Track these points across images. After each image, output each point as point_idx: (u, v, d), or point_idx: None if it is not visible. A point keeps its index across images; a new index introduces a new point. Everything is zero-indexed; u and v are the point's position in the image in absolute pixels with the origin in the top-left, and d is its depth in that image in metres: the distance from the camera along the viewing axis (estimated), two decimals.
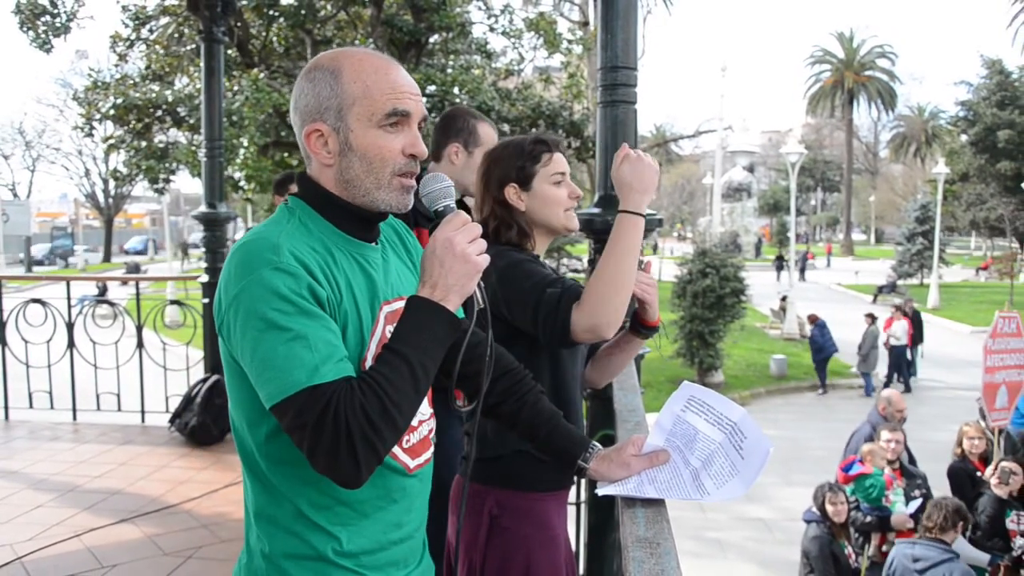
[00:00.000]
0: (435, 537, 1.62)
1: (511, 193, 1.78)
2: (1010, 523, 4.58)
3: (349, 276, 1.16)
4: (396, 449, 1.19)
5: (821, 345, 13.30)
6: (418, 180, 1.23)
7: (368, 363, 1.14)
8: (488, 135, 2.49)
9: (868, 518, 4.97)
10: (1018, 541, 4.45)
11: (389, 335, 1.13)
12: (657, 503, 1.29)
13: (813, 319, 13.80)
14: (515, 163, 1.78)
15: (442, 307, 1.11)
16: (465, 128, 2.47)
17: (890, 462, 5.18)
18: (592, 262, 2.64)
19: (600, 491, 1.35)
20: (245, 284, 1.06)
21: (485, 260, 1.14)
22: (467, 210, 2.48)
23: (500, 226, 1.78)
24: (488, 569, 1.68)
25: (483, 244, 1.14)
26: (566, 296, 1.59)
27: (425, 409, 1.29)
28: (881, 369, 13.83)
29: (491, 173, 1.81)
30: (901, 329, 13.45)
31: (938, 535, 4.12)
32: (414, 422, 1.23)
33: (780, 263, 31.31)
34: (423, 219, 2.19)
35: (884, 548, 4.91)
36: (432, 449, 1.31)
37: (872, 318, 13.61)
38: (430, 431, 1.31)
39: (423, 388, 1.09)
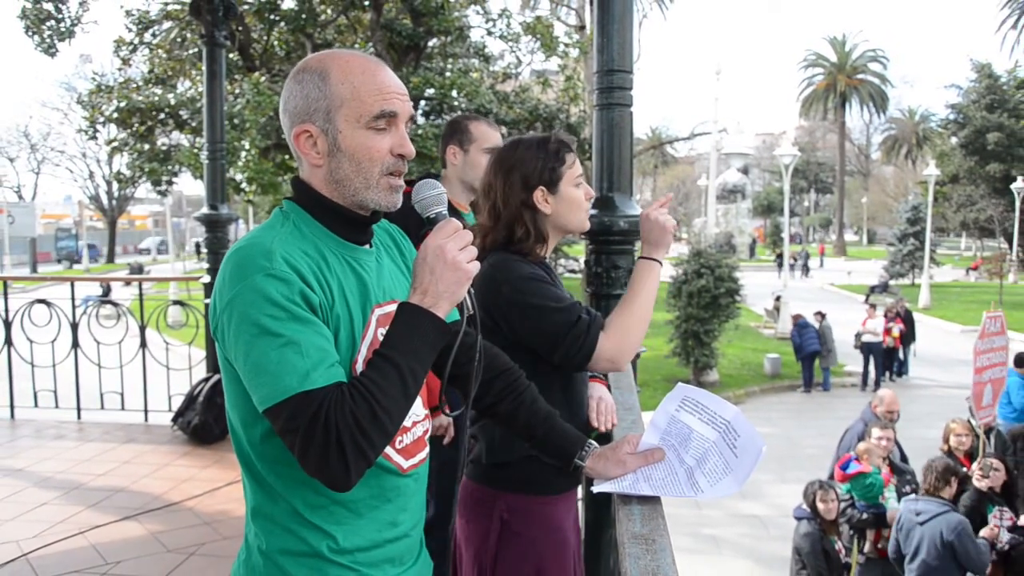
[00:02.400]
0: (441, 535, 1.66)
1: (539, 196, 1.71)
2: (993, 519, 4.66)
3: (341, 279, 1.16)
4: (389, 450, 1.21)
5: (799, 345, 13.42)
6: (411, 186, 1.23)
7: (359, 365, 1.15)
8: (480, 130, 2.55)
9: (864, 515, 5.04)
10: (1003, 536, 4.54)
11: (381, 338, 1.14)
12: (653, 500, 1.31)
13: (795, 319, 13.94)
14: (542, 165, 1.71)
15: (432, 313, 1.11)
16: (458, 129, 2.57)
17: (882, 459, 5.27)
18: (588, 263, 2.70)
19: (596, 488, 1.37)
20: (239, 290, 1.07)
21: (475, 267, 1.14)
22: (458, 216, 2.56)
23: (516, 229, 1.71)
24: (499, 573, 1.67)
25: (474, 251, 1.15)
26: (595, 324, 1.63)
27: (419, 410, 1.29)
28: (857, 366, 14.04)
29: (512, 175, 1.71)
30: (876, 326, 13.60)
31: (935, 494, 4.42)
32: (407, 423, 1.24)
33: (782, 260, 31.74)
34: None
35: (880, 545, 4.99)
36: (427, 450, 1.32)
37: (822, 315, 13.78)
38: (425, 432, 1.31)
39: (412, 393, 1.10)
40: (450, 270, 1.12)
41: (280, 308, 1.05)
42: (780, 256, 32.11)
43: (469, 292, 1.17)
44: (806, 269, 35.20)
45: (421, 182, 1.23)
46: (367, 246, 1.25)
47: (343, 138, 1.15)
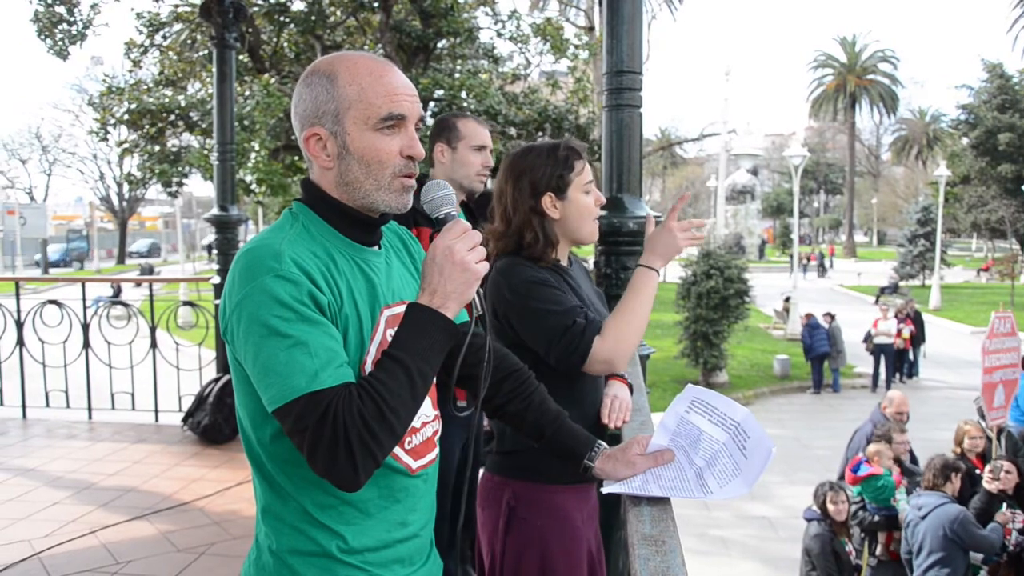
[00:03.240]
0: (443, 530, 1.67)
1: (547, 202, 1.75)
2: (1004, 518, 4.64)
3: (350, 280, 1.16)
4: (398, 450, 1.21)
5: (809, 345, 13.37)
6: (420, 183, 1.24)
7: (368, 366, 1.15)
8: (469, 128, 2.54)
9: (875, 517, 5.02)
10: (1013, 537, 4.52)
11: (390, 339, 1.14)
12: (662, 501, 1.30)
13: (805, 319, 13.89)
14: (551, 171, 1.75)
15: (441, 314, 1.12)
16: (445, 127, 2.56)
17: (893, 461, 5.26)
18: (598, 264, 2.71)
19: (605, 489, 1.37)
20: (248, 291, 1.07)
21: (484, 268, 1.15)
22: (473, 215, 2.55)
23: (526, 234, 1.75)
24: (507, 558, 1.71)
25: (483, 252, 1.15)
26: (590, 328, 1.66)
27: (428, 411, 1.29)
28: (866, 367, 14.00)
29: (522, 181, 1.76)
30: (888, 327, 13.54)
31: (936, 490, 4.56)
32: (416, 424, 1.24)
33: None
34: (423, 219, 2.20)
35: (892, 547, 4.97)
36: (437, 450, 1.32)
37: (831, 316, 13.73)
38: (434, 433, 1.31)
39: (421, 394, 1.11)
40: (459, 270, 1.12)
41: (289, 309, 1.06)
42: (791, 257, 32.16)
43: (478, 293, 1.17)
44: (822, 270, 35.24)
45: (430, 183, 1.24)
46: (376, 247, 1.25)
47: (352, 140, 1.16)
